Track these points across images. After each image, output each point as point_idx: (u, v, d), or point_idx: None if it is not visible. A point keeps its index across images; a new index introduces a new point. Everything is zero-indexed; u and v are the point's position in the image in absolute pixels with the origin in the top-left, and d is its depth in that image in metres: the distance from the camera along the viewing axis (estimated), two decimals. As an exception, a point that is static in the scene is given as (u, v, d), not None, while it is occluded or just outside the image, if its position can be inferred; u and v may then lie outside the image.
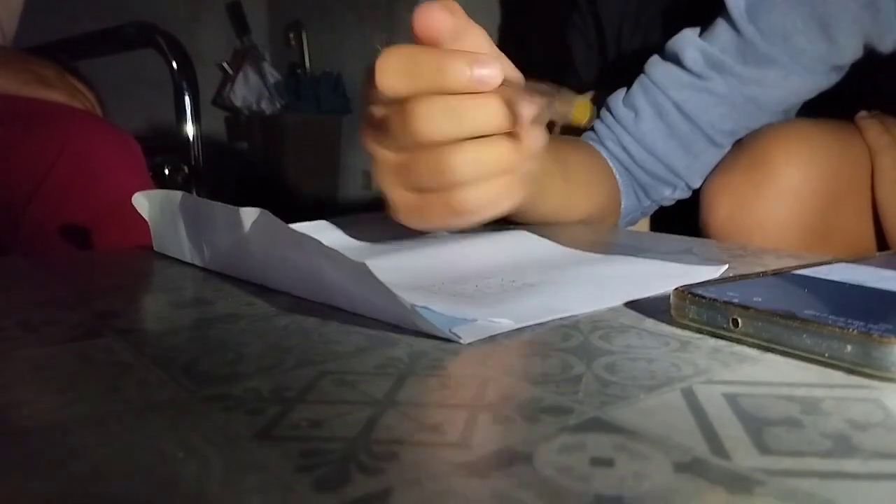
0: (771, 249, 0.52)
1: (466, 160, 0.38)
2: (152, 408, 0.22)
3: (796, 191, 0.69)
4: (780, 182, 0.69)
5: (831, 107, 0.78)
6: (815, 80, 0.72)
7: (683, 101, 0.71)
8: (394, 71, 0.37)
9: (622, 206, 0.74)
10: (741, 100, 0.71)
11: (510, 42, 1.89)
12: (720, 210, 0.71)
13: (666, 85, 0.72)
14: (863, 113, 0.78)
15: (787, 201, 0.69)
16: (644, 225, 0.92)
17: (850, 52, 0.70)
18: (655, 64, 0.74)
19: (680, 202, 0.79)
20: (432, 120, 0.37)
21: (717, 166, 0.75)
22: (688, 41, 0.72)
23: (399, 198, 0.41)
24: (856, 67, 0.72)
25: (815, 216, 0.70)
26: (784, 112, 0.74)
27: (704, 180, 0.75)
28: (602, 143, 0.74)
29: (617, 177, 0.73)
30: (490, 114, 0.38)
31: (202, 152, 1.17)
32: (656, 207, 0.78)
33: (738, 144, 0.74)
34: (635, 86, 0.74)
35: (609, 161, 0.73)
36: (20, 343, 0.29)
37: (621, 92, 0.76)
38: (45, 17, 1.46)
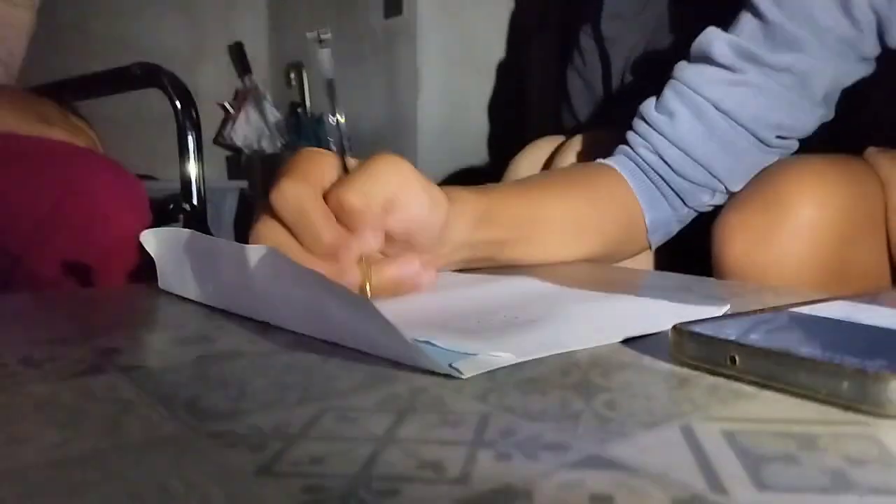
0: (769, 287, 0.53)
1: None
2: (154, 444, 0.23)
3: (813, 228, 0.68)
4: (796, 220, 0.68)
5: (837, 143, 0.78)
6: (845, 66, 0.71)
7: (720, 99, 0.70)
8: (283, 179, 0.44)
9: (648, 221, 0.73)
10: (777, 88, 0.70)
11: (508, 80, 1.92)
12: (735, 247, 0.70)
13: (698, 85, 0.71)
14: (871, 149, 0.78)
15: (803, 239, 0.68)
16: (647, 261, 0.91)
17: (869, 37, 0.69)
18: (684, 67, 0.73)
19: (687, 239, 0.78)
20: (277, 238, 0.44)
21: (729, 203, 0.73)
22: (714, 36, 0.71)
23: None
24: (858, 98, 0.72)
25: (831, 254, 0.69)
26: (824, 99, 0.72)
27: (717, 216, 0.73)
28: (634, 151, 0.73)
29: (638, 196, 0.72)
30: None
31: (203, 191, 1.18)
32: (695, 215, 0.77)
33: (751, 181, 0.73)
34: (666, 90, 0.73)
35: (631, 179, 0.72)
36: (22, 379, 0.29)
37: (652, 99, 0.74)
38: (50, 57, 1.48)
